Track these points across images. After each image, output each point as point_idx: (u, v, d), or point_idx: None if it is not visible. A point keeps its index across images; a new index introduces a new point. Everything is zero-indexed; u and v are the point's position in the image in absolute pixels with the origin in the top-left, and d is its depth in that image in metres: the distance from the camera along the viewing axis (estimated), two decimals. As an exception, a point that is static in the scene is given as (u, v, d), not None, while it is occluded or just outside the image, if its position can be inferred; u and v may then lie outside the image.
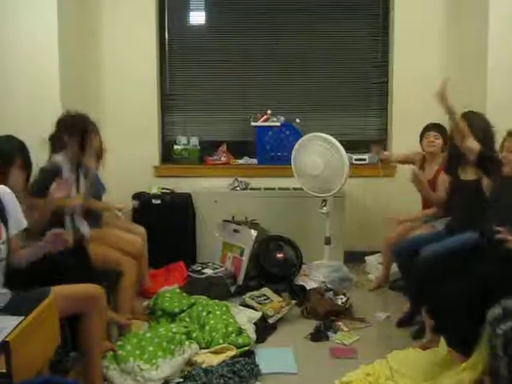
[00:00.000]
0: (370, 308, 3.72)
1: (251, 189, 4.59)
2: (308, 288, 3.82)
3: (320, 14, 4.78)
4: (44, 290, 2.24)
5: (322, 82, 4.86)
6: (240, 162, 4.80)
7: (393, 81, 4.68)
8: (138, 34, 4.61)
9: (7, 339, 1.72)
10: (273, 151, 4.70)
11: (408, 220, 3.85)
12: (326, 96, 4.88)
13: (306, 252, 4.19)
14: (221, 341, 3.04)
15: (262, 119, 4.69)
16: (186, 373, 2.80)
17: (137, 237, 3.57)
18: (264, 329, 3.35)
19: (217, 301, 3.50)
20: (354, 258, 4.47)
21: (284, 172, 4.38)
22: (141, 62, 4.64)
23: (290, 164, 4.17)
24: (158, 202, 4.47)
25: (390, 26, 4.71)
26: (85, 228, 3.28)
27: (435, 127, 3.81)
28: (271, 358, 3.03)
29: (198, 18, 4.92)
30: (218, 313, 3.29)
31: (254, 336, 3.19)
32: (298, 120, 4.70)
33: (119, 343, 2.88)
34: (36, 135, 3.23)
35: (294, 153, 4.14)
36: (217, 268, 4.20)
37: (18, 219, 2.35)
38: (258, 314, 3.44)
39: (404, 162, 4.12)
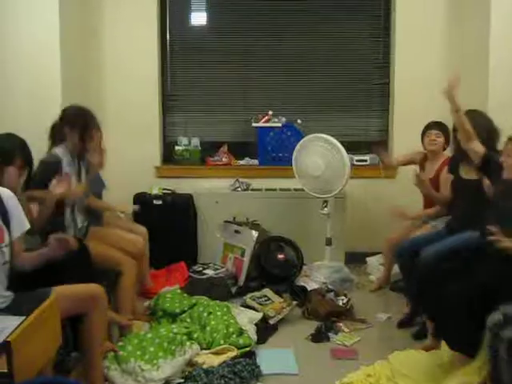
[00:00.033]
0: (370, 309, 3.72)
1: (252, 190, 4.58)
2: (309, 289, 3.82)
3: (321, 15, 4.78)
4: (45, 290, 2.24)
5: (323, 83, 4.85)
6: (241, 162, 4.80)
7: (394, 82, 4.68)
8: (139, 34, 4.61)
9: (8, 339, 1.72)
10: (274, 152, 4.70)
11: (410, 217, 3.83)
12: (327, 97, 4.88)
13: (307, 253, 4.19)
14: (222, 341, 3.05)
15: (264, 120, 4.69)
16: (186, 373, 2.81)
17: (138, 237, 3.57)
18: (265, 330, 3.35)
19: (218, 301, 3.50)
20: (355, 259, 4.46)
21: (285, 173, 4.38)
22: (142, 63, 4.65)
23: (291, 165, 4.17)
24: (160, 202, 4.47)
25: (392, 27, 4.70)
26: (85, 221, 3.30)
27: (437, 125, 3.81)
28: (272, 358, 3.03)
29: (199, 18, 4.92)
30: (218, 313, 3.29)
31: (254, 337, 3.19)
32: (299, 121, 4.70)
33: (120, 344, 2.88)
34: (37, 135, 3.24)
35: (295, 154, 4.14)
36: (218, 269, 4.20)
37: (21, 222, 2.35)
38: (258, 315, 3.44)
39: (406, 163, 4.11)
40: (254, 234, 4.16)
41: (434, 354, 2.83)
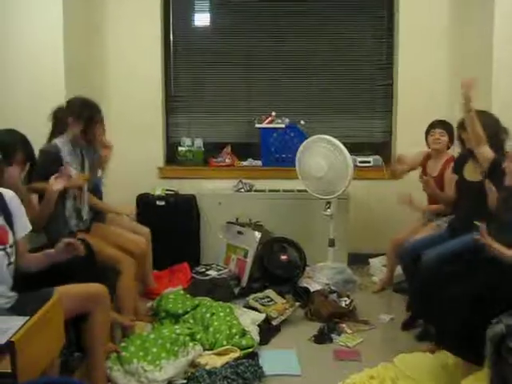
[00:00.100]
0: (373, 310, 3.72)
1: (255, 191, 4.58)
2: (312, 290, 3.82)
3: (325, 16, 4.78)
4: (48, 290, 2.25)
5: (326, 84, 4.85)
6: (244, 163, 4.80)
7: (397, 83, 4.67)
8: (142, 31, 4.61)
9: (12, 339, 1.73)
10: (277, 153, 4.70)
11: (417, 207, 3.81)
12: (330, 98, 4.87)
13: (310, 254, 4.19)
14: (224, 342, 3.05)
15: (267, 121, 4.69)
16: (189, 374, 2.81)
17: (141, 237, 3.58)
18: (268, 331, 3.35)
19: (221, 302, 3.50)
20: (358, 260, 4.46)
21: (288, 174, 4.38)
22: (146, 61, 4.65)
23: (295, 166, 4.17)
24: (162, 203, 4.47)
25: (395, 28, 4.69)
26: (90, 214, 3.31)
27: (441, 124, 3.80)
28: (275, 359, 3.03)
29: (202, 19, 4.93)
30: (221, 314, 3.29)
31: (257, 338, 3.19)
32: (302, 122, 4.70)
33: (123, 344, 2.88)
34: (40, 133, 3.26)
35: (298, 155, 4.14)
36: (221, 269, 4.20)
37: (24, 223, 2.37)
38: (261, 316, 3.44)
39: (411, 169, 4.07)
40: (257, 234, 4.16)
41: (438, 355, 2.82)
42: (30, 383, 1.81)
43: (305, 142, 4.13)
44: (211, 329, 3.16)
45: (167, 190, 4.54)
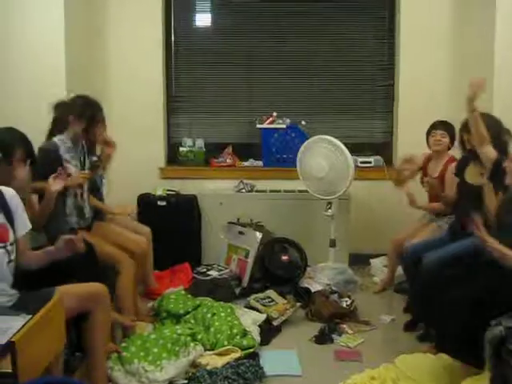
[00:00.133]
0: (374, 311, 3.72)
1: (256, 191, 4.58)
2: (313, 290, 3.82)
3: (326, 17, 4.78)
4: (49, 290, 2.25)
5: (327, 85, 4.85)
6: (245, 164, 4.80)
7: (399, 83, 4.66)
8: (144, 34, 4.62)
9: (13, 339, 1.73)
10: (278, 153, 4.70)
11: (418, 205, 3.79)
12: (331, 98, 4.87)
13: (311, 254, 4.19)
14: (225, 343, 3.05)
15: (268, 121, 4.69)
16: (190, 374, 2.81)
17: (142, 237, 3.58)
18: (268, 331, 3.35)
19: (222, 303, 3.50)
20: (359, 261, 4.46)
21: (289, 174, 4.38)
22: (147, 63, 4.65)
23: (296, 166, 4.17)
24: (164, 203, 4.47)
25: (396, 29, 4.70)
26: (91, 212, 3.31)
27: (442, 125, 3.80)
28: (275, 360, 3.04)
29: (204, 20, 4.93)
30: (222, 315, 3.29)
31: (258, 338, 3.19)
32: (303, 122, 4.69)
33: (123, 345, 2.88)
34: (42, 135, 3.26)
35: (299, 155, 4.14)
36: (222, 270, 4.20)
37: (24, 221, 2.38)
38: (262, 316, 3.44)
39: (415, 173, 4.03)
40: (258, 235, 4.16)
41: (440, 356, 2.81)
42: (30, 383, 1.81)
43: (306, 143, 4.13)
44: (212, 329, 3.16)
45: (168, 191, 4.54)
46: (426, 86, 4.54)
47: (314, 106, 4.86)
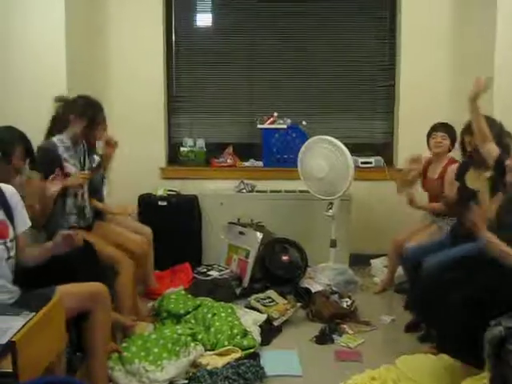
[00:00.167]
0: (375, 311, 3.72)
1: (257, 191, 4.58)
2: (313, 291, 3.82)
3: (327, 17, 4.78)
4: (50, 288, 2.26)
5: (328, 85, 4.85)
6: (246, 164, 4.80)
7: (399, 84, 4.66)
8: (145, 34, 4.61)
9: (13, 339, 1.73)
10: (279, 154, 4.70)
11: (417, 205, 3.78)
12: (332, 99, 4.87)
13: (312, 255, 4.19)
14: (226, 343, 3.05)
15: (269, 121, 4.69)
16: (190, 374, 2.81)
17: (142, 237, 3.58)
18: (269, 331, 3.35)
19: (222, 303, 3.50)
20: (360, 261, 4.46)
21: (290, 174, 4.38)
22: (148, 63, 4.65)
23: (296, 166, 4.17)
24: (164, 203, 4.47)
25: (397, 29, 4.69)
26: (89, 211, 3.31)
27: (443, 127, 3.80)
28: (276, 360, 3.04)
29: (204, 20, 4.93)
30: (223, 315, 3.29)
31: (258, 338, 3.19)
32: (304, 122, 4.69)
33: (124, 345, 2.88)
34: (42, 134, 3.26)
35: (300, 155, 4.14)
36: (222, 270, 4.20)
37: (24, 218, 2.40)
38: (263, 317, 3.44)
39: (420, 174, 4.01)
40: (259, 235, 4.16)
41: (440, 357, 2.81)
42: (30, 383, 1.81)
43: (306, 143, 4.13)
44: (213, 329, 3.16)
45: (169, 191, 4.54)
46: (426, 87, 4.54)
47: (314, 106, 4.85)
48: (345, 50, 4.81)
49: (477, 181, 3.17)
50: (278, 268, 4.05)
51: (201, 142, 4.80)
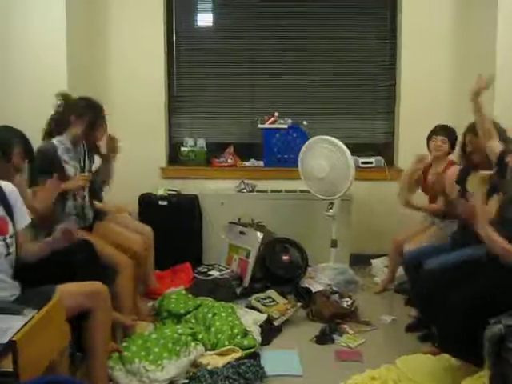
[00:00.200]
0: (375, 311, 3.72)
1: (258, 191, 4.58)
2: (314, 290, 3.82)
3: (327, 17, 4.78)
4: (51, 287, 2.26)
5: (329, 85, 4.86)
6: (247, 164, 4.80)
7: (400, 84, 4.67)
8: (145, 34, 4.62)
9: (14, 338, 1.73)
10: (280, 153, 4.70)
11: (416, 207, 3.78)
12: (333, 99, 4.87)
13: (312, 254, 4.19)
14: (226, 342, 3.05)
15: (269, 121, 4.69)
16: (191, 374, 2.81)
17: (143, 237, 3.58)
18: (269, 331, 3.35)
19: (222, 302, 3.50)
20: (360, 261, 4.46)
21: (291, 174, 4.39)
22: (149, 63, 4.65)
23: (297, 166, 4.17)
24: (165, 203, 4.47)
25: (398, 29, 4.69)
26: (89, 211, 3.31)
27: (443, 130, 3.78)
28: (276, 360, 3.04)
29: (205, 19, 4.93)
30: (223, 314, 3.29)
31: (259, 338, 3.19)
32: (305, 122, 4.70)
33: (124, 344, 2.88)
34: (41, 134, 3.27)
35: (300, 155, 4.14)
36: (223, 270, 4.20)
37: (24, 214, 2.42)
38: (263, 316, 3.44)
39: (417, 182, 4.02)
40: (259, 235, 4.16)
41: (440, 358, 2.81)
42: (31, 382, 1.81)
43: (307, 143, 4.13)
44: (213, 329, 3.16)
45: (169, 190, 4.54)
46: (427, 87, 4.54)
47: (315, 106, 4.85)
48: (345, 49, 4.81)
49: (477, 185, 3.17)
50: (279, 268, 4.05)
51: (201, 142, 4.80)
